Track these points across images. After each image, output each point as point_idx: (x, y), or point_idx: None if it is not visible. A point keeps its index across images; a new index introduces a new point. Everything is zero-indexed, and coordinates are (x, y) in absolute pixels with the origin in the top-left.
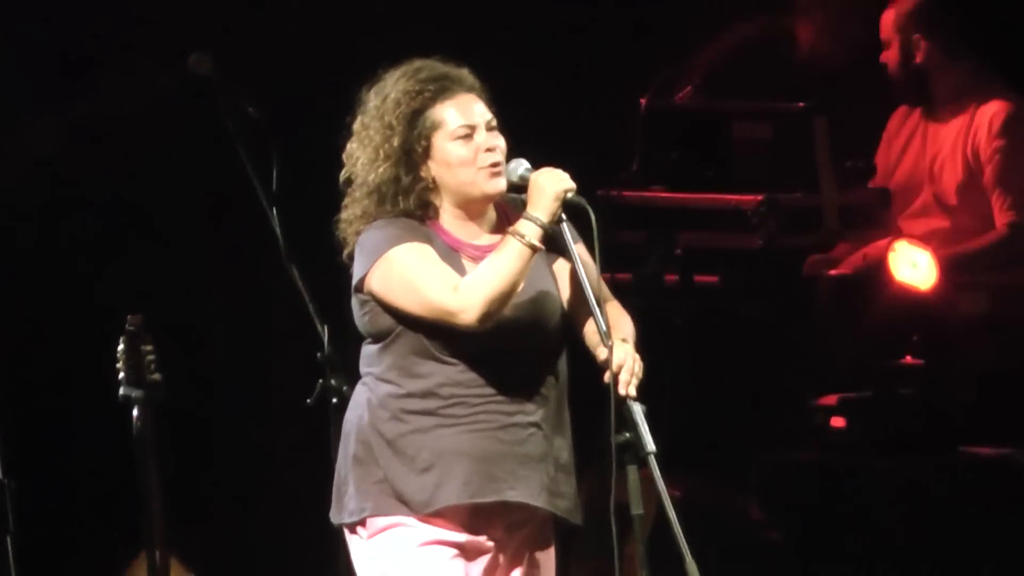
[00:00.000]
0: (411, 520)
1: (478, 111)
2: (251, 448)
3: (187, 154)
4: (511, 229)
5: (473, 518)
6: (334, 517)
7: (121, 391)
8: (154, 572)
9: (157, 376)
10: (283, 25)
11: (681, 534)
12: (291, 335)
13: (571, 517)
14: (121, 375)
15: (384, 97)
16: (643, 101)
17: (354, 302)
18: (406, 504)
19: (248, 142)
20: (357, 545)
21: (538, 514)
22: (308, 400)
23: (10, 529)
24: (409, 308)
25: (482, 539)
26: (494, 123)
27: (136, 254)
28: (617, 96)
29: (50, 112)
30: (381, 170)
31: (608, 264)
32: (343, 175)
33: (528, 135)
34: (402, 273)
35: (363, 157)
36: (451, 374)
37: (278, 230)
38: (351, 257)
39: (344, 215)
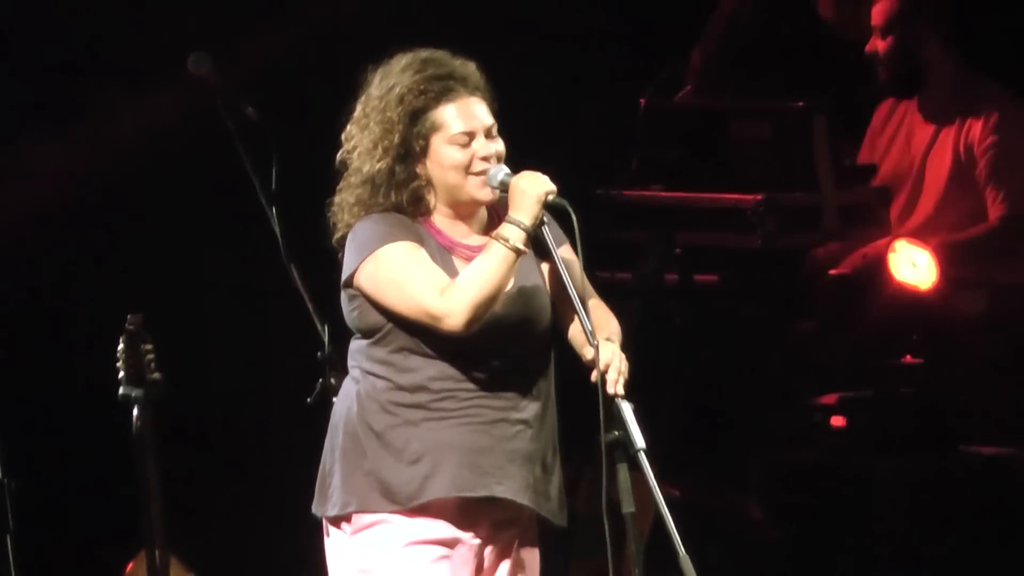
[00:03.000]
0: (397, 518)
1: (479, 116)
2: (251, 448)
3: (187, 154)
4: (495, 233)
5: (460, 514)
6: (316, 509)
7: (121, 391)
8: (154, 572)
9: (157, 376)
10: (283, 25)
11: (674, 530)
12: (291, 335)
13: (555, 519)
14: (121, 374)
15: (388, 88)
16: (642, 100)
17: (343, 297)
18: (393, 497)
19: (248, 142)
20: (338, 540)
21: (523, 514)
22: (308, 399)
23: (10, 529)
24: (396, 307)
25: (468, 536)
26: (494, 129)
27: (136, 254)
28: (616, 95)
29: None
30: (379, 164)
31: (608, 264)
32: (339, 156)
33: (527, 134)
34: (390, 273)
35: (361, 146)
36: (442, 369)
37: (277, 230)
38: (340, 243)
39: (337, 199)
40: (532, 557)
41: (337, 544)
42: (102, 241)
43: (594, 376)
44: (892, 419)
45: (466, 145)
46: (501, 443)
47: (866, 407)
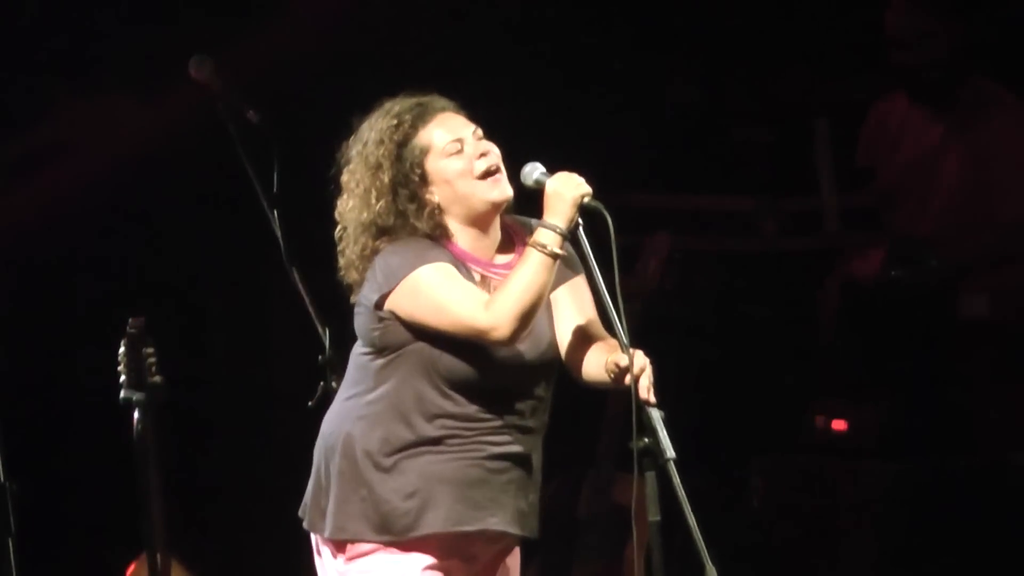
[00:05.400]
0: (392, 549)
1: (460, 124)
2: (252, 450)
3: (188, 156)
4: (531, 240)
5: (454, 543)
6: (310, 525)
7: (122, 393)
8: (155, 573)
9: (158, 379)
10: (283, 27)
11: (702, 543)
12: (292, 337)
13: (533, 535)
14: (122, 378)
15: (364, 142)
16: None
17: (366, 316)
18: (389, 528)
19: (249, 144)
20: (332, 564)
21: (511, 535)
22: (310, 403)
23: (11, 531)
24: (437, 326)
25: (460, 561)
26: (480, 132)
27: (138, 257)
28: (619, 98)
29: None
30: (379, 207)
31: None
32: (338, 232)
33: (531, 137)
34: (430, 294)
35: (352, 201)
36: (445, 406)
37: (279, 232)
38: (354, 289)
39: (343, 261)
40: (514, 562)
41: (331, 568)
42: (104, 244)
43: (627, 380)
44: (892, 421)
45: (459, 152)
46: (496, 475)
47: (867, 409)
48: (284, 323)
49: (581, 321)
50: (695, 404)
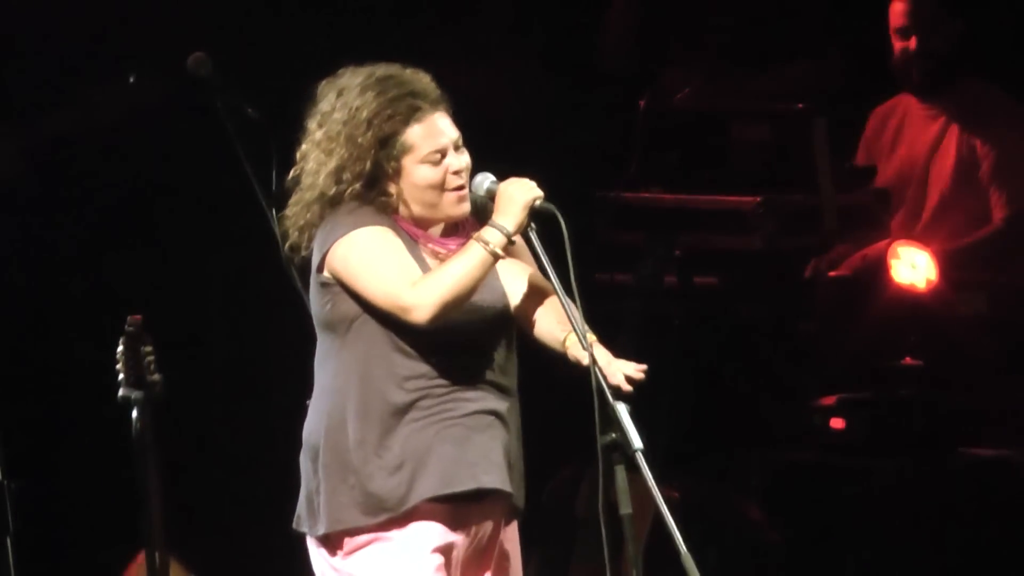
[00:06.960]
0: (390, 533)
1: (447, 131)
2: (251, 448)
3: (187, 155)
4: (476, 235)
5: (449, 515)
6: (308, 529)
7: (121, 392)
8: (154, 573)
9: (157, 377)
10: (282, 25)
11: (675, 528)
12: (290, 335)
13: (521, 504)
14: (121, 376)
15: (352, 110)
16: (642, 102)
17: (314, 290)
18: (383, 504)
19: (247, 143)
20: (330, 562)
21: (503, 505)
22: (308, 401)
23: (10, 530)
24: (366, 292)
25: (459, 537)
26: (460, 141)
27: (136, 254)
28: (617, 96)
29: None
30: (347, 189)
31: (607, 266)
32: (292, 173)
33: (527, 135)
34: (362, 256)
35: (324, 169)
36: (414, 367)
37: (277, 231)
38: (293, 248)
39: (290, 212)
40: (514, 547)
41: (329, 566)
42: (102, 241)
43: (618, 381)
44: (891, 421)
45: (438, 163)
46: (479, 433)
47: (866, 409)
48: (283, 321)
49: (522, 274)
50: (694, 403)
